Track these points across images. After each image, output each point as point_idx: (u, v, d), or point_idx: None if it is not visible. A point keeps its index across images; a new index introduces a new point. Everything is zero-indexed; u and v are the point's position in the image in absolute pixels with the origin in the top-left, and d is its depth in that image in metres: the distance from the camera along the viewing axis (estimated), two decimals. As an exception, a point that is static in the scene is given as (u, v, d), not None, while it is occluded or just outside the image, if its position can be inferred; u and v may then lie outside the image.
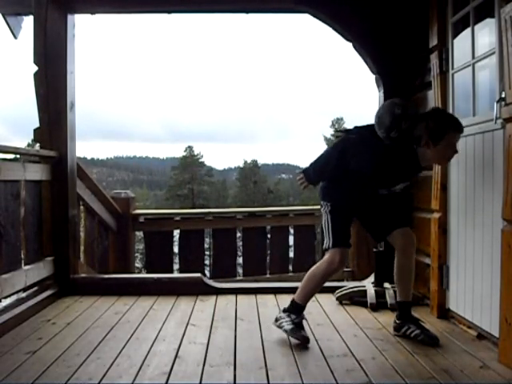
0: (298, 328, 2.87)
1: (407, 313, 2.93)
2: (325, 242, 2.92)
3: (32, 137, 3.96)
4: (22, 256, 3.48)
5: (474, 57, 2.99)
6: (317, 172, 2.96)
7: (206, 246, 5.58)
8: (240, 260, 5.53)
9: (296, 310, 2.93)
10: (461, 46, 3.16)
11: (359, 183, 2.89)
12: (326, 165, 2.93)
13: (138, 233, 5.40)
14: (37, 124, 3.89)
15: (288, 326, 2.88)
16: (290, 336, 2.85)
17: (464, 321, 3.03)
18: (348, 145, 2.88)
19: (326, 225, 2.92)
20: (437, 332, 2.98)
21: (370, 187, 2.92)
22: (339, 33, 4.01)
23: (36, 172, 3.68)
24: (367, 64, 4.05)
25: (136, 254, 6.34)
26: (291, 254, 5.58)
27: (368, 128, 2.92)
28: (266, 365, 2.48)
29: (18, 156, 3.92)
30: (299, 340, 2.82)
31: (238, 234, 5.64)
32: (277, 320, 2.97)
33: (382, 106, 2.89)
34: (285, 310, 2.97)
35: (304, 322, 2.96)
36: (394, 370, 2.40)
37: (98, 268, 4.76)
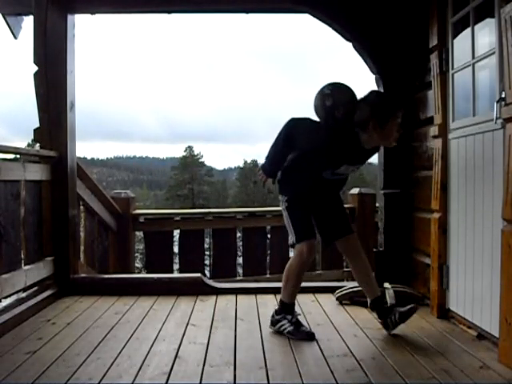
0: (298, 327, 2.92)
1: (382, 307, 3.02)
2: (289, 237, 3.03)
3: (32, 137, 3.96)
4: (22, 256, 3.48)
5: (474, 57, 2.98)
6: (270, 162, 3.00)
7: (206, 246, 5.57)
8: (240, 260, 5.53)
9: (288, 310, 2.99)
10: (461, 46, 3.16)
11: (306, 169, 2.95)
12: (275, 151, 2.97)
13: (138, 233, 5.39)
14: (37, 124, 3.89)
15: (289, 327, 2.92)
16: (295, 337, 2.87)
17: (464, 321, 3.03)
18: (292, 127, 2.92)
19: (287, 221, 3.01)
20: (437, 332, 2.99)
21: (315, 168, 2.94)
22: (339, 33, 4.01)
23: (36, 172, 3.68)
24: (367, 64, 4.05)
25: (136, 254, 6.34)
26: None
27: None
28: (266, 365, 2.48)
29: (18, 156, 3.92)
30: (305, 338, 2.86)
31: (238, 234, 5.63)
32: (273, 324, 3.01)
33: (315, 98, 2.93)
34: (277, 313, 3.01)
35: (302, 319, 3.00)
36: (394, 370, 2.40)
37: (98, 268, 4.75)
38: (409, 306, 2.94)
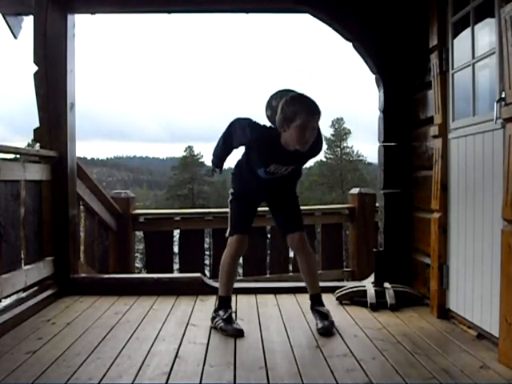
0: (227, 323, 3.00)
1: (312, 304, 3.14)
2: (227, 230, 3.21)
3: (32, 137, 3.96)
4: (22, 256, 3.47)
5: (474, 57, 2.98)
6: (214, 154, 3.20)
7: (206, 245, 5.57)
8: (240, 260, 5.52)
9: (223, 304, 3.11)
10: (461, 45, 3.16)
11: (246, 165, 3.10)
12: (217, 146, 3.15)
13: (138, 233, 5.39)
14: (37, 124, 3.89)
15: (221, 323, 3.01)
16: (226, 334, 2.94)
17: (464, 321, 3.03)
18: (231, 125, 3.06)
19: (229, 215, 3.22)
20: (437, 332, 2.99)
21: (250, 165, 3.07)
22: (339, 33, 4.01)
23: (36, 172, 3.68)
24: (367, 64, 4.05)
25: (136, 254, 6.34)
26: (291, 254, 5.58)
27: None
28: (266, 365, 2.48)
29: (18, 156, 3.92)
30: (232, 334, 2.92)
31: (239, 235, 5.61)
32: (211, 321, 3.10)
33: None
34: (215, 309, 3.13)
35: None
36: (394, 370, 2.40)
37: (98, 268, 4.76)
38: (329, 328, 2.97)
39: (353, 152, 47.66)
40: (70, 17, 3.94)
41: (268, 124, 3.05)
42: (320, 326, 2.99)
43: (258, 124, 3.00)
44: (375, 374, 2.36)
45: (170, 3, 4.15)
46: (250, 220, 3.22)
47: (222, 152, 3.16)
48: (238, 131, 3.01)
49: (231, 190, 3.22)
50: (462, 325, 3.05)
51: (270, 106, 3.02)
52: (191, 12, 4.55)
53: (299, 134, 2.82)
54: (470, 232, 2.95)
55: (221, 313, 3.05)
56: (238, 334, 2.92)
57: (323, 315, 3.06)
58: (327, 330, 2.96)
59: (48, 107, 3.86)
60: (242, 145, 3.07)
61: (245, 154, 3.14)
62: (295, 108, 2.81)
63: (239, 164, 3.19)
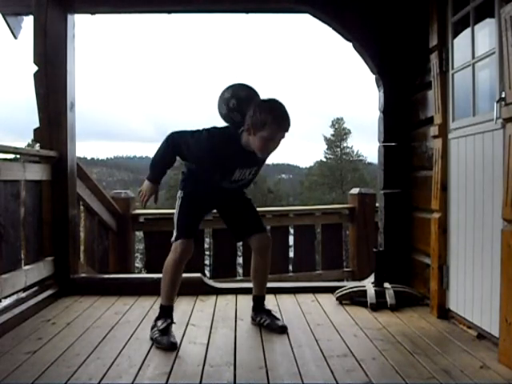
0: (163, 335, 2.76)
1: (260, 305, 3.16)
2: (173, 235, 3.02)
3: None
4: (22, 256, 3.47)
5: (474, 57, 2.99)
6: (152, 167, 3.02)
7: (206, 246, 5.57)
8: (240, 260, 5.53)
9: (163, 313, 2.87)
10: (461, 45, 3.16)
11: (205, 178, 2.95)
12: (156, 158, 2.97)
13: (138, 233, 5.39)
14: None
15: (155, 335, 2.79)
16: (159, 345, 2.71)
17: (464, 321, 3.03)
18: (176, 139, 2.88)
19: (176, 218, 2.99)
20: (437, 332, 2.99)
21: (212, 180, 2.92)
22: (339, 33, 4.01)
23: (36, 172, 3.68)
24: (367, 64, 4.05)
25: (136, 254, 6.34)
26: (291, 254, 5.59)
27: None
28: (266, 365, 2.47)
29: (18, 156, 3.92)
30: (164, 346, 2.70)
31: (238, 234, 5.61)
32: (151, 330, 2.86)
33: (219, 107, 2.94)
34: (156, 318, 2.88)
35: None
36: (394, 370, 2.40)
37: (98, 268, 4.75)
38: (282, 325, 3.05)
39: (353, 152, 47.62)
40: (69, 17, 3.94)
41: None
42: (271, 325, 3.04)
43: (209, 132, 2.82)
44: (375, 373, 2.36)
45: (170, 3, 4.15)
46: (198, 225, 3.12)
47: (163, 166, 2.98)
48: (191, 147, 2.83)
49: (182, 193, 3.01)
50: (461, 325, 3.05)
51: (226, 103, 2.88)
52: (191, 12, 4.55)
53: (263, 144, 2.73)
54: (470, 232, 2.95)
55: (159, 322, 2.81)
56: (171, 347, 2.67)
57: (271, 313, 3.12)
58: (283, 326, 3.01)
59: (48, 107, 3.86)
60: (197, 159, 2.88)
61: (198, 165, 2.95)
62: (267, 117, 2.68)
63: (193, 170, 3.02)
